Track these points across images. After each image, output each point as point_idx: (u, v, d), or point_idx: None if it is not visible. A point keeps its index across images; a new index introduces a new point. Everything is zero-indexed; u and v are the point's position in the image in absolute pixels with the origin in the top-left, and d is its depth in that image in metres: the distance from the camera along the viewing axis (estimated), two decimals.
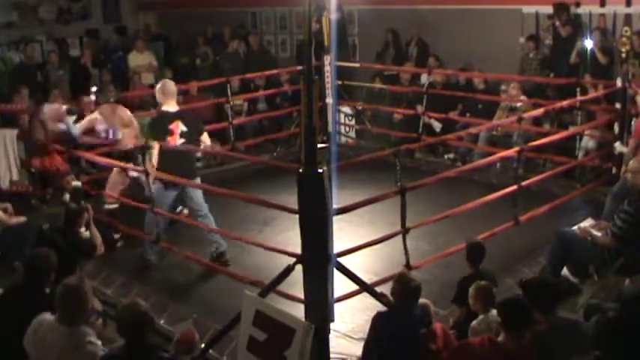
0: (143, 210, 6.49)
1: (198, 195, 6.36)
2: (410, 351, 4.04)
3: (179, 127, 6.24)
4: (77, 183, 6.69)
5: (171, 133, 6.20)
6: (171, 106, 6.35)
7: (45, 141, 7.53)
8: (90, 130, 7.26)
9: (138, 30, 14.21)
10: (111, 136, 7.09)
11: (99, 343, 3.91)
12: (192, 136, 6.35)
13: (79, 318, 3.90)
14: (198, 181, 6.49)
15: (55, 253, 4.63)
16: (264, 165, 8.29)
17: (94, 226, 5.82)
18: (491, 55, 9.82)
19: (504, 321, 3.80)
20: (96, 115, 7.23)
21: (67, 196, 7.45)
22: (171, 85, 6.45)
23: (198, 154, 7.10)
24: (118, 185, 7.06)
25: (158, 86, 6.50)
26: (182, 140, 6.26)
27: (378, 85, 10.39)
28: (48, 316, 3.94)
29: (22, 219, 6.58)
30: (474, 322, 4.43)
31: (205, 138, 6.61)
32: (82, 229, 5.86)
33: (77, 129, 7.34)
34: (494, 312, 4.37)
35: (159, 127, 6.26)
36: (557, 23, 9.35)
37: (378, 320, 4.29)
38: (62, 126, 7.41)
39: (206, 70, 11.94)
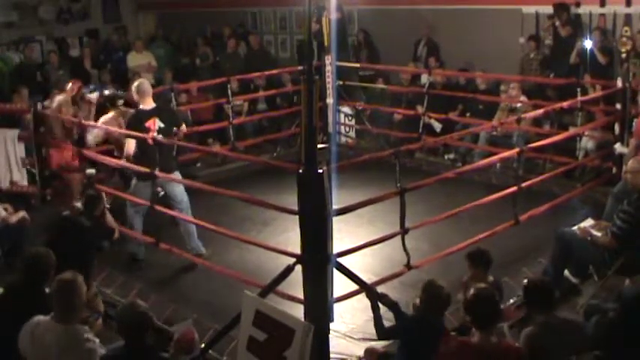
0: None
1: (177, 190, 6.45)
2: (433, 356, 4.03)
3: (156, 123, 6.38)
4: (92, 170, 6.76)
5: (147, 130, 6.32)
6: (147, 105, 6.49)
7: (61, 135, 7.59)
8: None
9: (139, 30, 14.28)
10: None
11: (97, 340, 3.92)
12: (169, 132, 6.49)
13: (75, 313, 3.90)
14: (177, 174, 6.56)
15: (78, 237, 4.93)
16: (264, 165, 8.28)
17: (108, 214, 5.97)
18: (491, 55, 9.82)
19: (474, 319, 3.78)
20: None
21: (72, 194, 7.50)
22: (145, 85, 6.60)
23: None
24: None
25: (133, 87, 6.62)
26: (160, 136, 6.36)
27: (380, 85, 10.41)
28: (42, 318, 3.93)
29: (21, 214, 6.61)
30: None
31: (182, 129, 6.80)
32: None
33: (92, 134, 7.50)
34: None
35: (136, 125, 6.41)
36: (557, 23, 9.35)
37: (409, 327, 4.28)
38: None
39: (206, 70, 11.94)
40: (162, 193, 6.45)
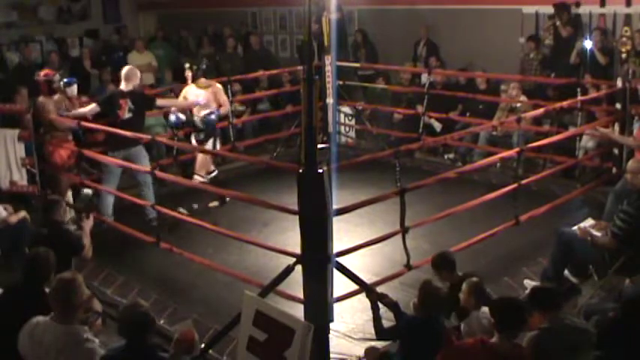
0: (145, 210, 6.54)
1: (141, 162, 7.19)
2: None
3: (127, 103, 7.25)
4: (88, 191, 6.77)
5: (120, 107, 7.23)
6: (126, 87, 7.35)
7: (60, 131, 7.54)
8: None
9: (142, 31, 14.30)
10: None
11: (97, 340, 3.92)
12: (138, 112, 7.36)
13: (75, 313, 3.90)
14: (139, 148, 7.22)
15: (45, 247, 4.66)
16: (264, 165, 8.29)
17: (88, 234, 5.70)
18: (491, 55, 9.82)
19: (497, 321, 3.79)
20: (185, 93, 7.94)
21: (68, 195, 7.47)
22: (127, 70, 7.46)
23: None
24: (206, 162, 7.91)
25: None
26: (130, 115, 7.25)
27: (380, 85, 10.41)
28: (42, 318, 3.93)
29: (21, 214, 6.62)
30: (466, 319, 4.44)
31: (161, 102, 7.94)
32: (73, 226, 5.92)
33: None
34: (484, 309, 4.38)
35: (112, 100, 7.33)
36: (558, 23, 9.34)
37: (409, 327, 4.27)
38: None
39: (208, 69, 11.89)
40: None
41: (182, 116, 7.77)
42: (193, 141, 7.94)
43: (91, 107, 7.51)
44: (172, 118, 7.80)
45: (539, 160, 8.56)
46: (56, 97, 7.50)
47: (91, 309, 4.80)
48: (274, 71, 10.58)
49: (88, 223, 5.74)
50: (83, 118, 7.40)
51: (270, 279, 4.76)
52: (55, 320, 3.87)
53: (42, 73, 7.69)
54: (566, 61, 9.23)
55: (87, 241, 5.62)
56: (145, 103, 7.56)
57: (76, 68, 11.76)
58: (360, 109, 10.23)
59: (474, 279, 4.57)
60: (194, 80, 7.90)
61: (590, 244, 5.56)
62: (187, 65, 8.06)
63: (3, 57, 12.12)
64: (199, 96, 7.76)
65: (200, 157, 7.90)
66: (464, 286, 4.52)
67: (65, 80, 7.64)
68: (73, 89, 7.66)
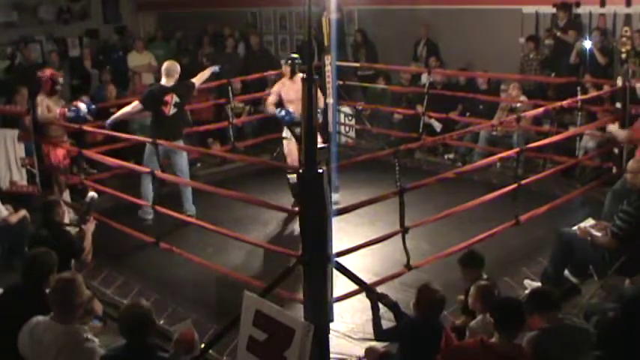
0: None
1: (180, 159, 7.39)
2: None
3: (173, 98, 7.34)
4: (94, 194, 6.69)
5: (166, 103, 7.31)
6: (168, 82, 7.40)
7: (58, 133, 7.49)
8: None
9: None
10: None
11: (97, 340, 3.92)
12: (183, 104, 7.57)
13: (75, 313, 3.90)
14: (181, 142, 7.43)
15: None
16: (264, 165, 8.29)
17: (90, 238, 5.67)
18: (491, 55, 9.82)
19: (497, 322, 3.80)
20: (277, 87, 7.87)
21: (66, 195, 7.46)
22: (169, 65, 7.49)
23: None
24: (295, 155, 7.55)
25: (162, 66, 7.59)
26: (175, 110, 7.37)
27: (381, 85, 10.42)
28: (41, 318, 3.93)
29: (21, 213, 6.62)
30: (472, 322, 4.43)
31: (198, 82, 7.81)
32: (71, 228, 5.89)
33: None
34: None
35: (155, 97, 7.36)
36: (559, 34, 9.36)
37: (407, 329, 4.27)
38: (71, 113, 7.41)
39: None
40: None
41: (293, 112, 7.30)
42: (287, 134, 7.66)
43: (134, 105, 7.46)
44: (282, 113, 7.35)
45: (539, 160, 8.56)
46: (55, 98, 7.46)
47: (91, 310, 4.81)
48: (274, 72, 10.57)
49: (90, 226, 5.72)
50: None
51: (270, 279, 4.76)
52: (55, 320, 3.87)
53: (48, 71, 7.62)
54: (566, 61, 9.23)
55: (88, 244, 5.59)
56: (188, 93, 7.71)
57: (76, 68, 11.79)
58: (360, 109, 10.23)
59: (483, 282, 4.57)
60: (292, 75, 7.72)
61: (590, 244, 5.55)
62: (283, 61, 8.02)
63: (14, 57, 12.11)
64: (299, 91, 7.61)
65: (293, 154, 7.66)
66: (472, 289, 4.51)
67: (89, 105, 7.53)
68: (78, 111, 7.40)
